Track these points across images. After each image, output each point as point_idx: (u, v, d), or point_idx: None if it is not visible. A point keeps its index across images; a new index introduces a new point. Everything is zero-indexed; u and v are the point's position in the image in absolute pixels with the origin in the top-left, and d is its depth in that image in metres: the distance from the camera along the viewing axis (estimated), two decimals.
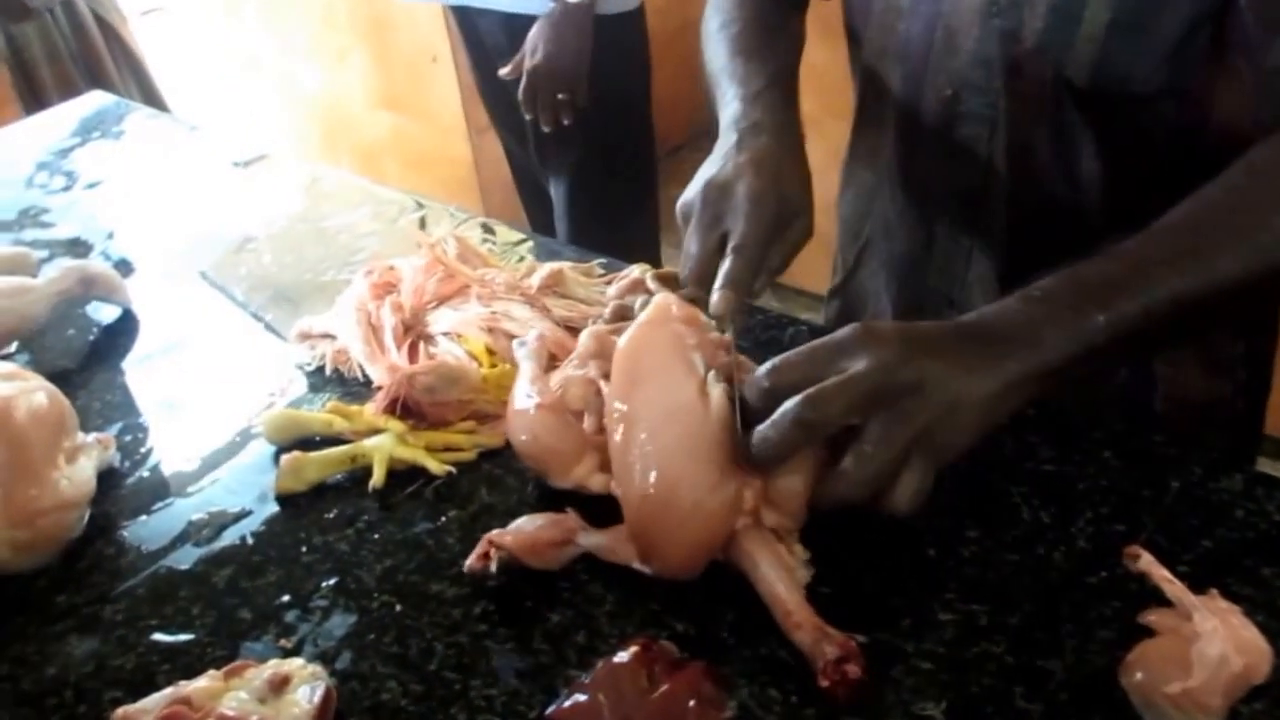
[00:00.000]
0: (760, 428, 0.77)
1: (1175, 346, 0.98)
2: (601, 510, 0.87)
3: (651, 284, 1.10)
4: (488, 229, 1.31)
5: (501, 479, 0.97)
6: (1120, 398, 1.06)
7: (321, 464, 0.98)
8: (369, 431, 0.99)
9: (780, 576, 0.80)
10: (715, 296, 0.87)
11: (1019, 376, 0.76)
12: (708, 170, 0.95)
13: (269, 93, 3.81)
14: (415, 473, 0.97)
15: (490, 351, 1.06)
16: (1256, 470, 0.89)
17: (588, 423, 0.93)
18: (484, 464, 0.99)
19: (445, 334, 1.09)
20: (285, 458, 0.97)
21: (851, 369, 0.75)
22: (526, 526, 0.87)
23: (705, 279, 0.90)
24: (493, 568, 0.84)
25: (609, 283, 1.15)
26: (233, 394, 1.11)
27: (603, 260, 1.22)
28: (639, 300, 1.09)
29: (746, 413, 0.79)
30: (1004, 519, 0.87)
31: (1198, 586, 0.76)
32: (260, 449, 1.03)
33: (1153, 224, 0.81)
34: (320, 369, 1.12)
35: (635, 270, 1.13)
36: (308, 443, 1.01)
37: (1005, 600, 0.80)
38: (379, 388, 1.03)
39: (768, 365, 0.78)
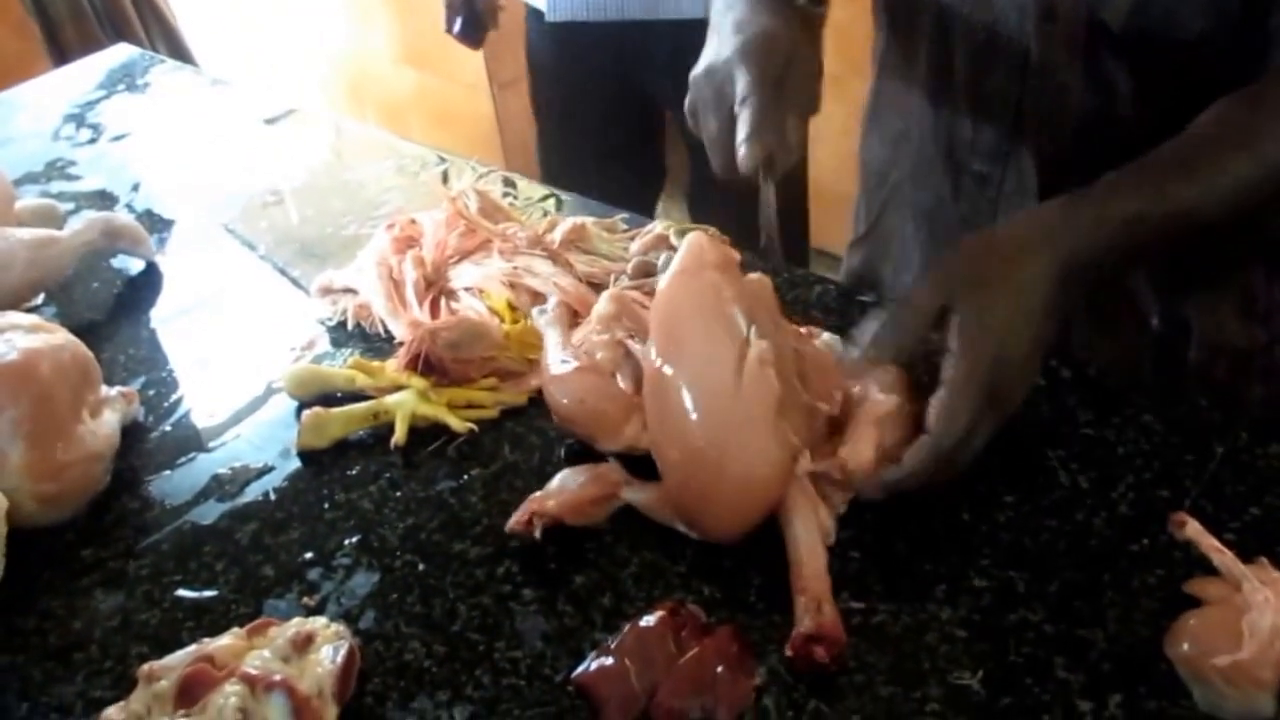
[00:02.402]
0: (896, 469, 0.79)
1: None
2: (632, 466, 0.86)
3: (675, 239, 1.08)
4: (509, 183, 1.29)
5: (524, 437, 0.95)
6: (1154, 346, 1.04)
7: (344, 420, 0.96)
8: (391, 388, 0.98)
9: (810, 540, 0.78)
10: (740, 152, 0.84)
11: (1056, 279, 0.78)
12: (699, 65, 0.92)
13: (294, 48, 3.79)
14: (437, 430, 0.96)
15: (512, 307, 1.04)
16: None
17: (622, 384, 0.90)
18: (506, 422, 0.97)
19: (467, 289, 1.07)
20: (307, 414, 0.96)
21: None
22: (568, 485, 0.85)
23: (730, 165, 0.87)
24: (537, 534, 0.83)
25: (632, 238, 1.13)
26: (255, 349, 1.10)
27: (625, 215, 1.19)
28: (662, 256, 1.07)
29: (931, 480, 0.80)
30: (1042, 484, 0.85)
31: (1246, 555, 0.74)
32: (282, 404, 1.02)
33: (1184, 133, 0.84)
34: (342, 324, 1.11)
35: (658, 225, 1.10)
36: (330, 398, 1.00)
37: (1044, 567, 0.78)
38: (401, 343, 1.01)
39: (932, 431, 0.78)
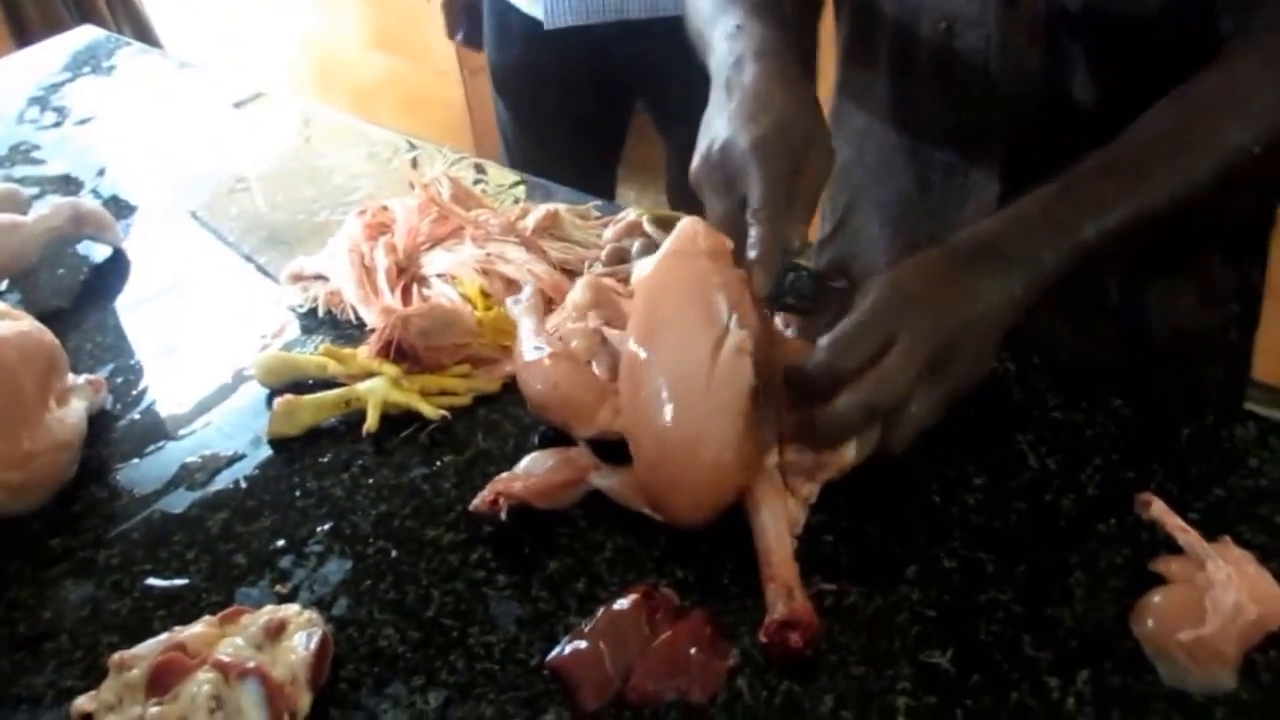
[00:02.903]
0: (825, 411, 0.76)
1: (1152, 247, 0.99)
2: (602, 451, 0.86)
3: (648, 226, 1.08)
4: (480, 170, 1.29)
5: (498, 424, 0.95)
6: (1117, 331, 1.06)
7: (315, 407, 0.96)
8: (363, 375, 0.97)
9: (777, 528, 0.79)
10: (753, 274, 0.83)
11: (1023, 296, 0.78)
12: (706, 131, 0.90)
13: (262, 32, 3.76)
14: (410, 417, 0.95)
15: (485, 294, 1.04)
16: (1269, 418, 0.87)
17: (598, 372, 0.90)
18: (479, 409, 0.97)
19: (439, 276, 1.06)
20: (278, 401, 0.95)
21: (902, 341, 0.75)
22: (536, 468, 0.86)
23: (737, 245, 0.85)
24: (503, 515, 0.83)
25: (605, 225, 1.13)
26: (225, 336, 1.09)
27: (598, 202, 1.19)
28: (636, 243, 1.07)
29: (807, 389, 0.78)
30: (1010, 466, 0.86)
31: (1209, 535, 0.75)
32: (253, 392, 1.02)
33: (1135, 129, 0.85)
34: (313, 311, 1.10)
35: (632, 213, 1.10)
36: (301, 386, 1.00)
37: (1013, 548, 0.79)
38: (372, 330, 1.01)
39: (824, 344, 0.76)
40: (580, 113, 1.84)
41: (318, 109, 1.54)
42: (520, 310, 0.96)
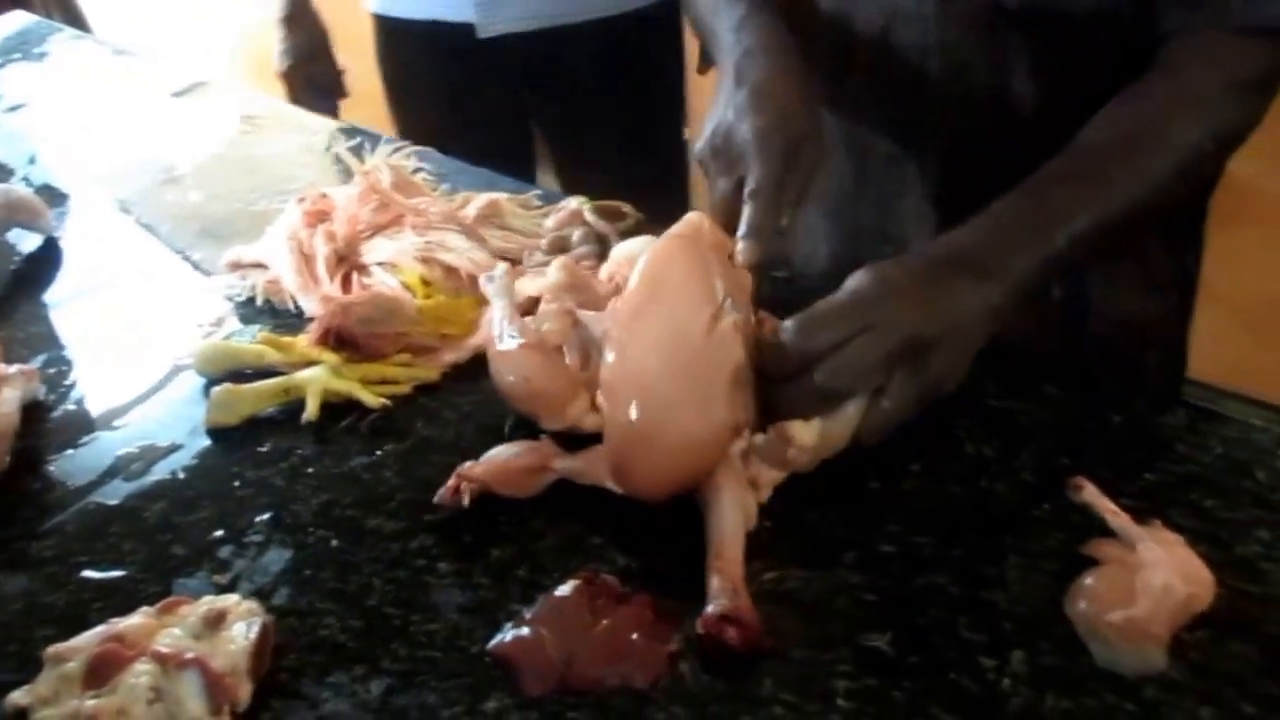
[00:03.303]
0: (789, 388, 0.80)
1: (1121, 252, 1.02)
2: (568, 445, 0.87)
3: (590, 215, 1.08)
4: (422, 158, 1.28)
5: (438, 412, 0.95)
6: (1057, 319, 1.07)
7: (254, 397, 0.95)
8: (302, 363, 0.97)
9: (733, 520, 0.79)
10: (740, 246, 0.86)
11: (1000, 305, 0.81)
12: (714, 115, 0.94)
13: (199, 22, 3.70)
14: (350, 406, 0.95)
15: (426, 283, 1.03)
16: (1199, 404, 0.89)
17: (569, 358, 0.89)
18: (420, 397, 0.97)
19: (380, 264, 1.06)
20: (216, 390, 0.95)
21: (875, 328, 0.78)
22: (500, 456, 0.86)
23: (732, 226, 0.89)
24: (465, 501, 0.83)
25: (546, 214, 1.13)
26: (161, 325, 1.08)
27: (540, 191, 1.19)
28: (577, 232, 1.07)
29: (772, 363, 0.81)
30: (947, 453, 0.87)
31: (1141, 518, 0.77)
32: (190, 382, 1.00)
33: (1091, 133, 0.87)
34: (251, 300, 1.09)
35: (574, 202, 1.11)
36: (239, 375, 0.98)
37: (950, 533, 0.80)
38: (312, 319, 1.00)
39: (795, 322, 0.80)
40: (485, 123, 1.81)
41: (257, 98, 1.53)
42: (493, 290, 0.95)
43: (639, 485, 0.82)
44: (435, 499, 0.84)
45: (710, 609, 0.73)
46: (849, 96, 1.09)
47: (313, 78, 1.93)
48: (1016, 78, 0.97)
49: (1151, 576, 0.71)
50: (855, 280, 0.80)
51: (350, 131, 1.38)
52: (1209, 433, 0.87)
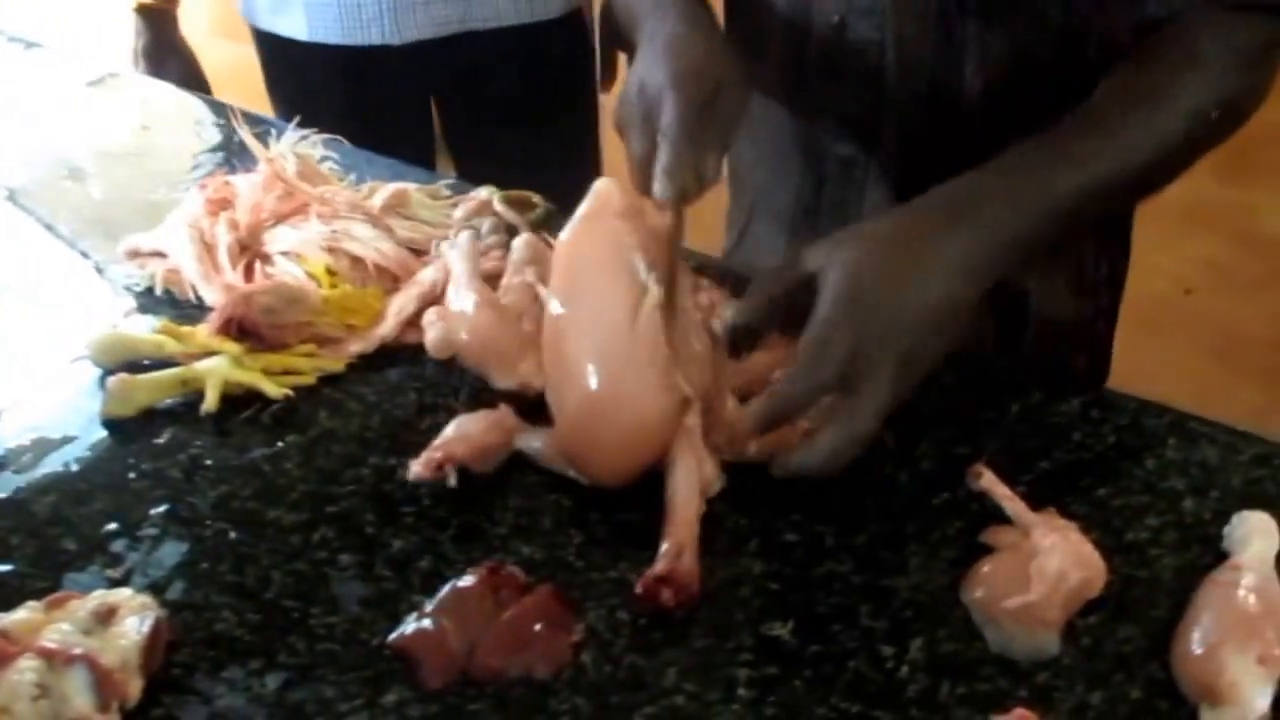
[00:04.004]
0: (808, 452, 0.78)
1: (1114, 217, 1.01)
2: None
3: (499, 205, 1.07)
4: (328, 147, 1.26)
5: (343, 403, 0.94)
6: (993, 322, 1.07)
7: (152, 387, 0.93)
8: (203, 354, 0.95)
9: (687, 488, 0.79)
10: (655, 185, 0.84)
11: (988, 262, 0.79)
12: (629, 78, 0.92)
13: (101, 15, 3.62)
14: (252, 397, 0.93)
15: (331, 272, 1.02)
16: (1092, 394, 0.91)
17: (526, 325, 0.91)
18: (325, 388, 0.95)
19: (284, 253, 1.04)
20: (112, 380, 0.92)
21: (866, 367, 0.76)
22: (470, 430, 0.86)
23: (648, 185, 0.86)
24: (451, 481, 0.82)
25: (455, 204, 1.12)
26: (55, 316, 1.05)
27: (449, 181, 1.18)
28: (486, 223, 1.07)
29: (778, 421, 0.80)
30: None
31: (1036, 505, 0.78)
32: (86, 372, 0.98)
33: (1102, 90, 0.86)
34: (150, 289, 1.07)
35: (483, 192, 1.10)
36: (137, 366, 0.96)
37: (851, 521, 0.81)
38: (213, 308, 0.98)
39: (792, 377, 0.78)
40: (384, 133, 1.77)
41: (161, 89, 1.50)
42: (456, 255, 0.95)
43: (594, 474, 0.82)
44: (411, 474, 0.83)
45: (650, 571, 0.74)
46: (804, 97, 1.09)
47: None
48: (967, 71, 0.97)
49: (1045, 563, 0.72)
50: (828, 297, 0.77)
51: (255, 120, 1.35)
52: (1102, 421, 0.89)
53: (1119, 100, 0.86)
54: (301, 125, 1.75)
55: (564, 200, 1.10)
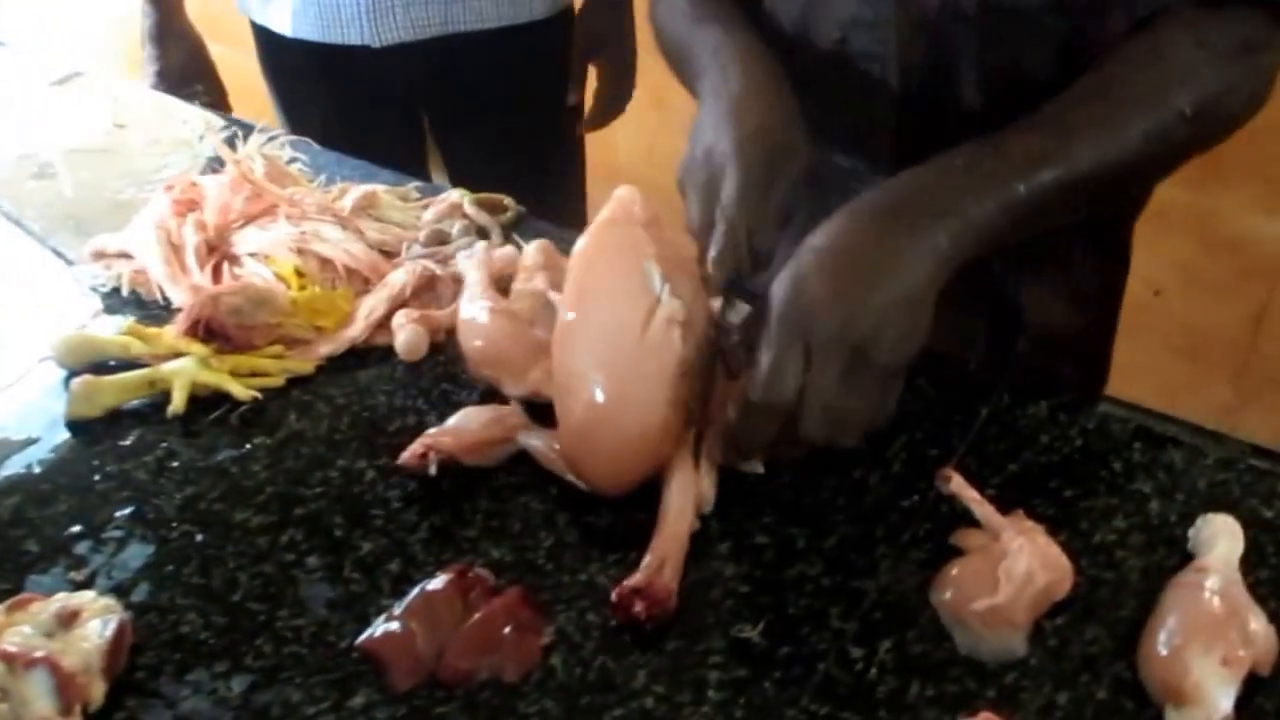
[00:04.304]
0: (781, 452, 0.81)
1: (1082, 218, 0.94)
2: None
3: (469, 208, 1.07)
4: (299, 149, 1.25)
5: (311, 405, 0.93)
6: (986, 333, 1.07)
7: (117, 388, 0.92)
8: (169, 355, 0.94)
9: (680, 502, 0.79)
10: (709, 264, 0.83)
11: (949, 250, 0.77)
12: (692, 136, 0.91)
13: (71, 14, 3.59)
14: (220, 398, 0.92)
15: (300, 274, 1.01)
16: (1061, 398, 0.92)
17: (539, 335, 0.90)
18: (293, 390, 0.95)
19: (252, 255, 1.03)
20: (76, 381, 0.91)
21: (815, 361, 0.75)
22: (468, 424, 0.86)
23: (704, 252, 0.85)
24: (431, 470, 0.83)
25: (425, 206, 1.12)
26: (20, 316, 1.04)
27: (418, 184, 1.18)
28: (457, 225, 1.06)
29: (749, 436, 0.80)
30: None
31: (1005, 507, 0.78)
32: (50, 373, 0.97)
33: (1064, 93, 0.84)
34: (116, 290, 1.06)
35: (453, 194, 1.10)
36: (103, 367, 0.95)
37: (822, 523, 0.81)
38: (180, 310, 0.98)
39: (750, 392, 0.77)
40: (380, 129, 1.77)
41: (129, 88, 1.48)
42: (471, 265, 0.95)
43: (593, 482, 0.82)
44: (399, 461, 0.84)
45: (627, 581, 0.74)
46: (806, 112, 1.07)
47: (192, 100, 1.85)
48: (965, 83, 0.96)
49: (1013, 565, 0.73)
50: (774, 307, 0.76)
51: (225, 121, 1.34)
52: (1070, 424, 0.89)
53: (1078, 98, 0.84)
54: (293, 121, 1.76)
55: (549, 199, 1.10)
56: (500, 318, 0.91)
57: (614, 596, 0.74)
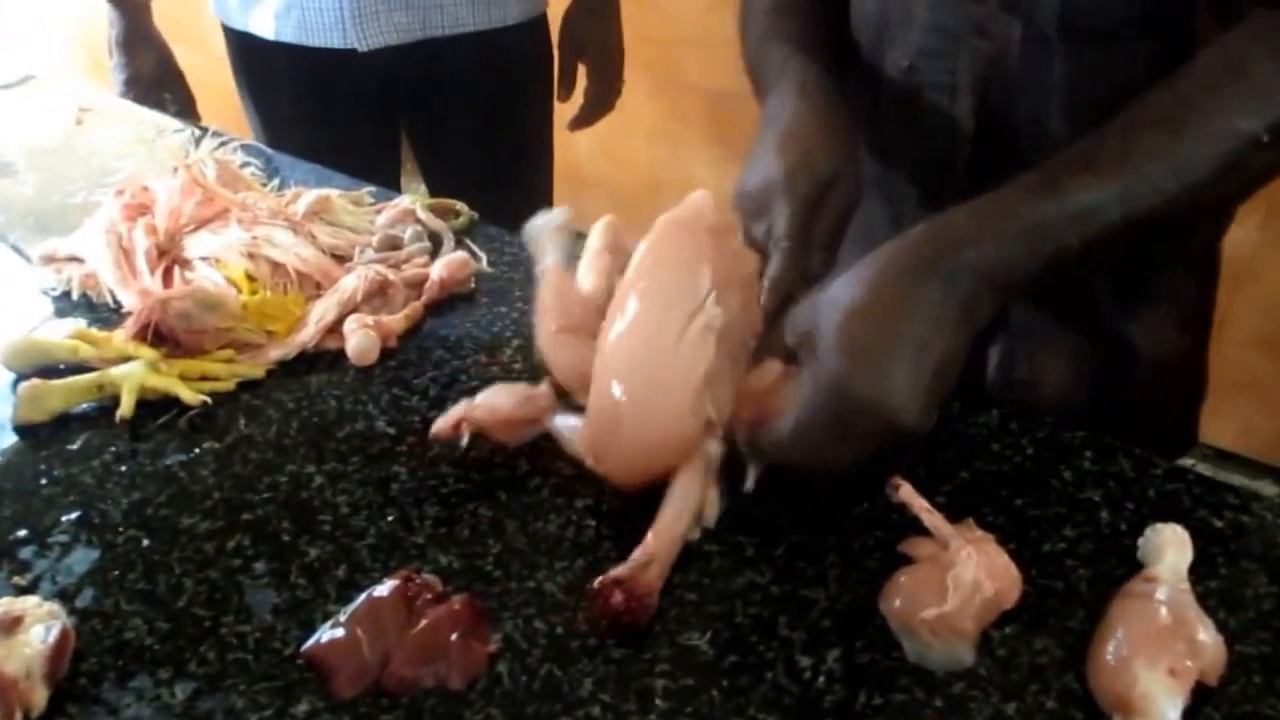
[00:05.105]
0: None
1: (1139, 252, 0.91)
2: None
3: (422, 214, 1.07)
4: (253, 153, 1.24)
5: (261, 410, 0.92)
6: (1100, 367, 1.04)
7: (65, 392, 0.91)
8: (118, 359, 0.93)
9: (678, 508, 0.79)
10: (764, 292, 0.85)
11: (986, 317, 0.74)
12: (748, 163, 0.91)
13: (30, 14, 3.56)
14: (169, 403, 0.92)
15: (251, 278, 1.00)
16: (1010, 406, 0.92)
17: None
18: (243, 394, 0.94)
19: (203, 259, 1.03)
20: (24, 385, 0.91)
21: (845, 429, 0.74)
22: (501, 401, 0.87)
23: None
24: (463, 441, 0.85)
25: (379, 211, 1.11)
26: None
27: (372, 189, 1.17)
28: (410, 230, 1.06)
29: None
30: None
31: (955, 516, 0.78)
32: None
33: (1122, 118, 0.78)
34: (67, 294, 1.05)
35: (406, 199, 1.09)
36: (51, 371, 0.94)
37: (771, 532, 0.81)
38: (130, 313, 0.97)
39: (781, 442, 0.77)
40: (354, 134, 1.78)
41: (84, 89, 1.47)
42: (544, 287, 0.94)
43: (610, 470, 0.82)
44: (431, 432, 0.86)
45: (609, 573, 0.74)
46: (881, 139, 1.06)
47: (161, 108, 1.83)
48: (1053, 112, 0.93)
49: (961, 574, 0.73)
50: (807, 380, 0.75)
51: (178, 125, 1.33)
52: (1020, 433, 0.89)
53: (1141, 126, 0.76)
54: (267, 125, 1.76)
55: (519, 201, 1.10)
56: (564, 335, 0.90)
57: (595, 585, 0.73)
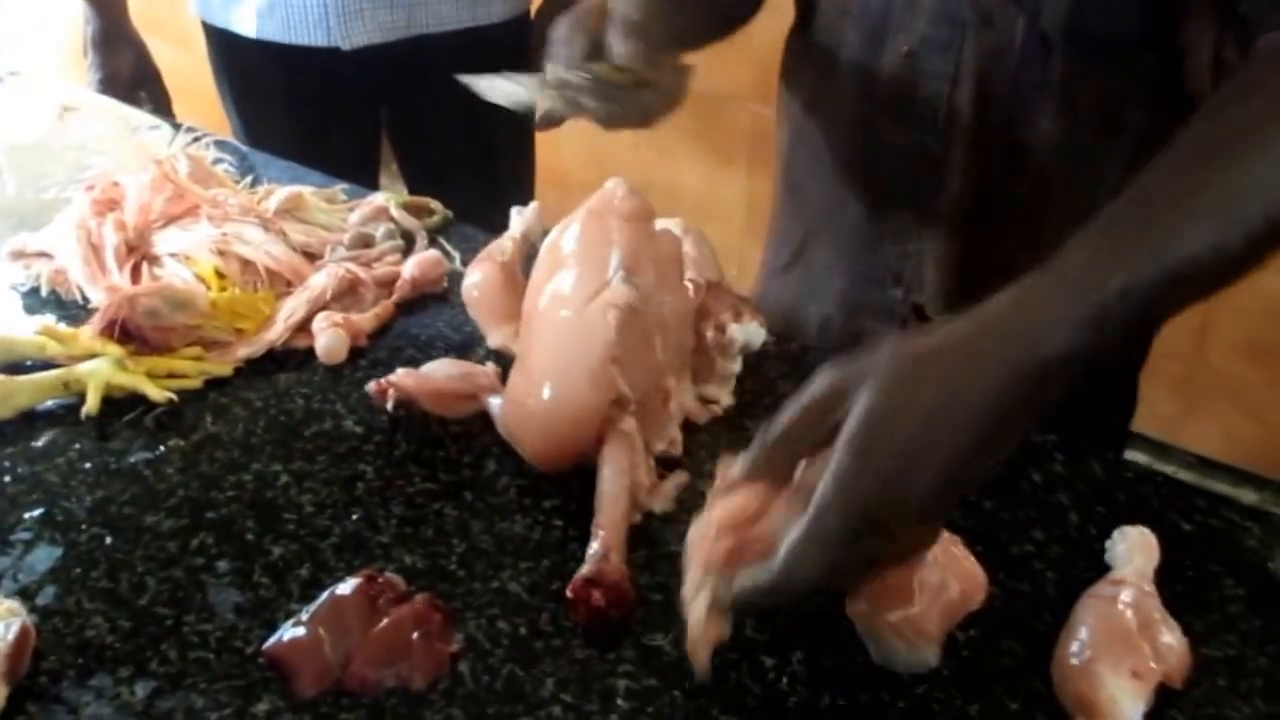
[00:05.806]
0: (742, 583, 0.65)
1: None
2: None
3: (395, 211, 1.06)
4: (227, 149, 1.24)
5: (228, 408, 0.92)
6: None
7: (30, 389, 0.90)
8: (85, 356, 0.92)
9: (614, 489, 0.79)
10: (623, 48, 0.87)
11: (1016, 386, 0.61)
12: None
13: (30, 14, 3.55)
14: (135, 400, 0.91)
15: (220, 275, 1.00)
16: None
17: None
18: (210, 392, 0.93)
19: (173, 255, 1.02)
20: None
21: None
22: (437, 372, 0.89)
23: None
24: (389, 406, 0.86)
25: (351, 209, 1.11)
26: None
27: (345, 186, 1.17)
28: (382, 228, 1.06)
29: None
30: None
31: None
32: None
33: (1191, 140, 0.68)
34: (35, 290, 1.04)
35: (379, 197, 1.09)
36: (18, 367, 0.94)
37: None
38: (98, 310, 0.96)
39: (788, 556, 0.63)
40: (336, 133, 1.77)
41: (68, 87, 1.46)
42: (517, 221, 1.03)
43: (525, 448, 0.84)
44: (366, 387, 0.89)
45: (578, 574, 0.74)
46: (871, 127, 1.04)
47: (137, 107, 1.82)
48: (1046, 115, 0.93)
49: (928, 576, 0.72)
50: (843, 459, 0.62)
51: (153, 121, 1.32)
52: None
53: (1186, 167, 0.67)
54: (249, 123, 1.75)
55: (501, 201, 1.10)
56: (493, 268, 0.97)
57: (569, 592, 0.73)
